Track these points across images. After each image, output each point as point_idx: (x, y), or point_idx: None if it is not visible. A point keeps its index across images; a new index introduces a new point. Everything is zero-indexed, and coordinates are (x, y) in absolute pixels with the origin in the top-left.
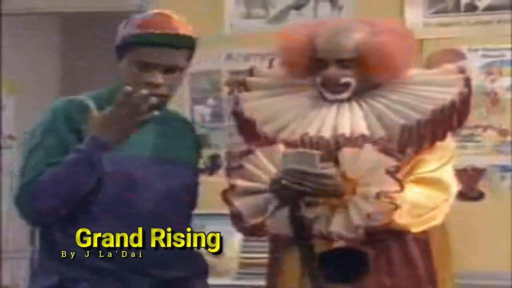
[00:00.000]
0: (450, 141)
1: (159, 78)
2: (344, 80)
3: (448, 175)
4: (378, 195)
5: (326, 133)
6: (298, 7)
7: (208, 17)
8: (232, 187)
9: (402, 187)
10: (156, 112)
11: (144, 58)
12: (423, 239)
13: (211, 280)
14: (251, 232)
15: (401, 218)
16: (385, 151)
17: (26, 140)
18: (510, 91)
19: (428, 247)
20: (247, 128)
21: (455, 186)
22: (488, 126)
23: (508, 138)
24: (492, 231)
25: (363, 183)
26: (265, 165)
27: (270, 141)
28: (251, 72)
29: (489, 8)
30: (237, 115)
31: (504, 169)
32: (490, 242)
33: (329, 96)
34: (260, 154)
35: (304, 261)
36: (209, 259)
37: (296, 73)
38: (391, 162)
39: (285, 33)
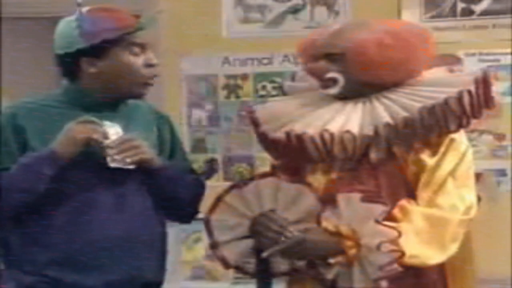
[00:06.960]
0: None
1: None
2: (329, 75)
3: (467, 194)
4: (378, 247)
5: (312, 130)
6: (294, 11)
7: (205, 21)
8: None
9: (398, 232)
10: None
11: (138, 40)
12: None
13: (208, 285)
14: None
15: (414, 250)
16: (370, 199)
17: None
18: (506, 95)
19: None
20: (258, 134)
21: (473, 200)
22: (484, 131)
23: (504, 143)
24: (489, 236)
25: (359, 236)
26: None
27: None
28: (292, 77)
29: (486, 13)
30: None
31: (501, 173)
32: (487, 247)
33: (322, 91)
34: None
35: None
36: (206, 263)
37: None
38: (378, 210)
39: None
